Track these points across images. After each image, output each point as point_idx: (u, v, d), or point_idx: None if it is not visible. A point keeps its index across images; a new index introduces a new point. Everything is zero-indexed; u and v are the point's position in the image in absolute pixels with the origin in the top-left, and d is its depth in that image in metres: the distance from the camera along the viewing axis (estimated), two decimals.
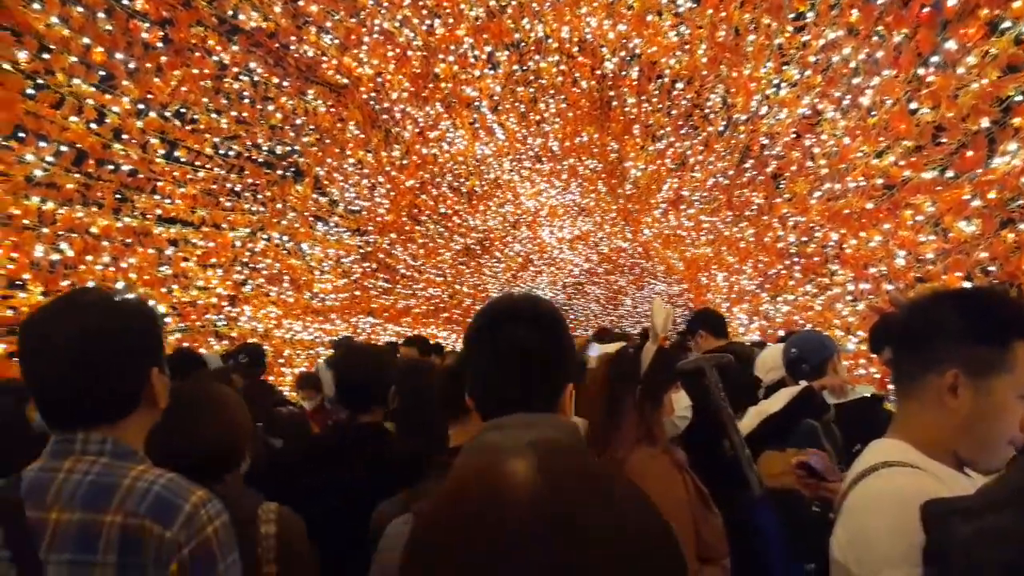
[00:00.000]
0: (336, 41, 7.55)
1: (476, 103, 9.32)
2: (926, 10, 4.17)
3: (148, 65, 6.16)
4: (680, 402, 3.51)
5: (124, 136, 6.32)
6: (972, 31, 3.90)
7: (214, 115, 7.10)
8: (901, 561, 1.25)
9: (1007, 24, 3.80)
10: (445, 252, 12.99)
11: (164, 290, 7.13)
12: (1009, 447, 1.38)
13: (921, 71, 4.40)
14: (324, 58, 7.71)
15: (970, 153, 4.08)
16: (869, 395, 3.49)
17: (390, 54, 7.97)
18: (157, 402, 1.42)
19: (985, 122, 3.97)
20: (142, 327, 1.41)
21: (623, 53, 7.78)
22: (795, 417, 3.09)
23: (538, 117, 9.83)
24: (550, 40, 7.96)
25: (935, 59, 4.26)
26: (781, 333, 7.06)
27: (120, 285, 6.60)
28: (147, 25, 6.04)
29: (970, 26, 3.90)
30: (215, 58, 6.77)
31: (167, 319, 7.28)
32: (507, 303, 1.45)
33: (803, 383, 3.28)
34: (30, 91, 5.44)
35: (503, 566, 0.57)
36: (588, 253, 17.32)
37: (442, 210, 11.90)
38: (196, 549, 1.25)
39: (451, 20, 7.55)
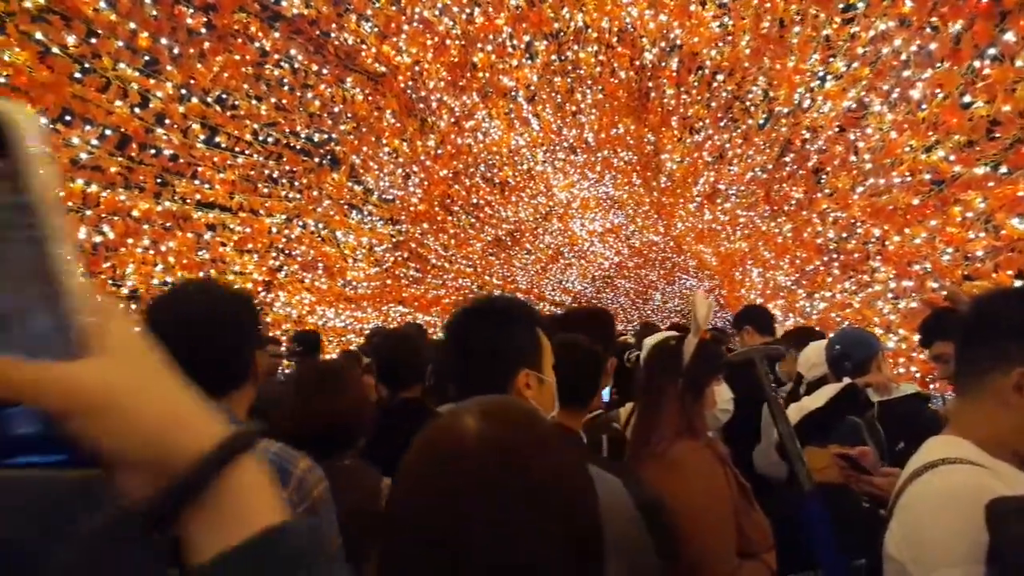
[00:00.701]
0: (376, 29, 7.57)
1: (513, 93, 9.29)
2: (984, 0, 4.06)
3: (191, 51, 6.22)
4: (722, 395, 3.48)
5: (167, 121, 6.40)
6: None
7: (254, 102, 7.16)
8: (960, 560, 1.22)
9: None
10: (476, 243, 13.01)
11: (201, 274, 7.22)
12: None
13: (976, 64, 4.28)
14: (363, 46, 7.73)
15: None
16: (913, 393, 3.44)
17: (429, 43, 7.97)
18: (257, 379, 1.60)
19: None
20: (249, 313, 1.60)
21: (663, 44, 7.70)
22: (838, 413, 3.05)
23: (574, 108, 9.78)
24: (589, 30, 7.90)
25: (992, 51, 4.15)
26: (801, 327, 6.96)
27: (159, 268, 6.72)
28: (191, 11, 6.10)
29: None
30: (256, 44, 6.83)
31: None
32: (468, 303, 1.68)
33: (846, 380, 3.24)
34: (77, 75, 5.53)
35: (462, 495, 0.73)
36: (619, 246, 17.25)
37: (474, 200, 11.90)
38: (308, 508, 1.45)
39: (491, 9, 7.52)
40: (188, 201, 6.95)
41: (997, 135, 4.22)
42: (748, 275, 10.62)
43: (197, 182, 6.96)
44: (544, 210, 13.87)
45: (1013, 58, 4.01)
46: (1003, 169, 4.25)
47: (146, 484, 0.46)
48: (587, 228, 15.68)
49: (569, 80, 9.09)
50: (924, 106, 4.89)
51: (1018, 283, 4.17)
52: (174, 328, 1.38)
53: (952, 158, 4.70)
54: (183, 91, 6.46)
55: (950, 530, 1.26)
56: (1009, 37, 4.00)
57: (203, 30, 6.27)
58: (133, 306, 6.64)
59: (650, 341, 2.83)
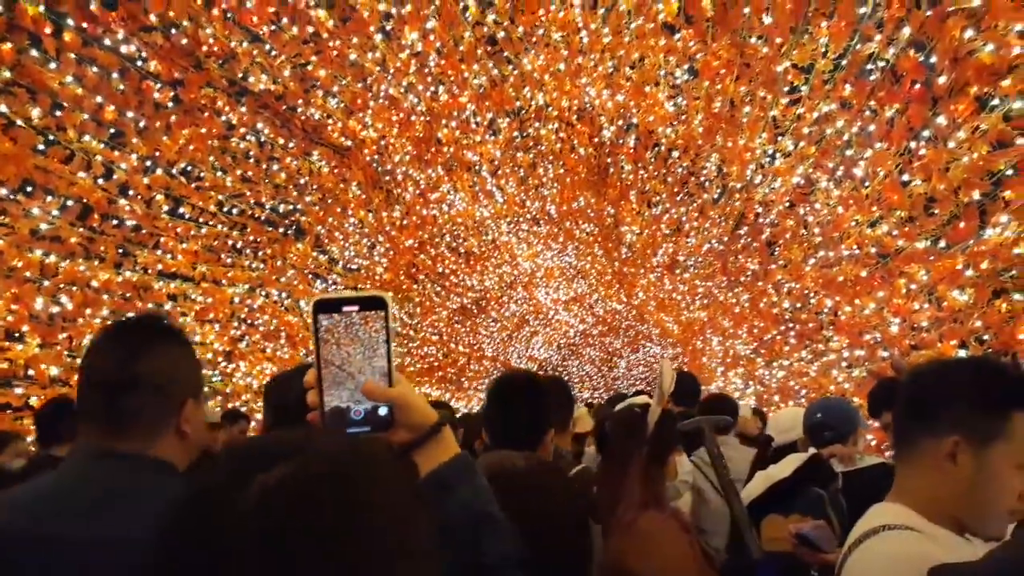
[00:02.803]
0: (342, 105, 7.73)
1: (476, 167, 9.49)
2: (917, 87, 4.32)
3: (158, 124, 6.28)
4: (682, 466, 3.50)
5: (130, 192, 6.41)
6: (962, 107, 4.03)
7: (219, 173, 7.22)
8: None
9: (996, 101, 3.93)
10: (441, 311, 13.03)
11: None
12: (1009, 515, 1.40)
13: (913, 144, 4.53)
14: (330, 121, 7.88)
15: (962, 224, 4.18)
16: (877, 464, 3.48)
17: (394, 118, 8.15)
18: None
19: (976, 195, 4.07)
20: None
21: (620, 122, 7.98)
22: (802, 484, 3.09)
23: (537, 181, 10.01)
24: (550, 108, 8.17)
25: (926, 133, 4.39)
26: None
27: None
28: (159, 85, 6.19)
29: (960, 103, 4.03)
30: (223, 118, 6.92)
31: None
32: (507, 378, 2.50)
33: (811, 450, 3.28)
34: (40, 146, 5.55)
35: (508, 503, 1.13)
36: (583, 315, 17.38)
37: (440, 270, 11.99)
38: None
39: (455, 87, 7.76)
40: (149, 271, 6.91)
41: (935, 211, 4.44)
42: (708, 343, 10.77)
43: (159, 252, 6.94)
44: (509, 279, 13.99)
45: (945, 140, 4.26)
46: (942, 244, 4.45)
47: (407, 436, 1.03)
48: (551, 297, 15.81)
49: (531, 155, 9.33)
50: (867, 183, 5.13)
51: (962, 352, 4.31)
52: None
53: (895, 233, 4.91)
54: (148, 163, 6.50)
55: None
56: (941, 121, 4.25)
57: (170, 104, 6.35)
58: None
59: None
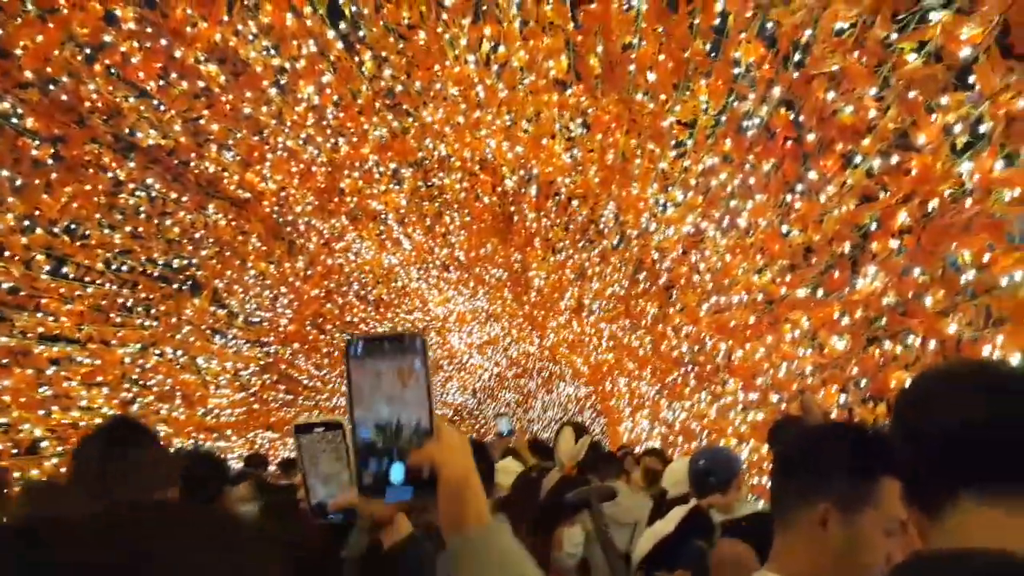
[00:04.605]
0: (238, 158, 7.57)
1: (382, 216, 9.45)
2: (789, 143, 4.57)
3: (36, 181, 6.00)
4: (572, 539, 3.50)
5: (6, 253, 6.08)
6: (830, 163, 4.28)
7: (107, 230, 6.93)
8: None
9: (859, 159, 4.19)
10: None
11: (42, 412, 6.70)
12: None
13: (789, 197, 4.78)
14: (226, 174, 7.70)
15: (837, 274, 4.40)
16: (755, 513, 3.57)
17: (294, 169, 8.04)
18: None
19: (847, 246, 4.31)
20: None
21: (522, 172, 8.11)
22: (686, 538, 3.13)
23: (443, 229, 10.03)
24: (453, 159, 8.24)
25: (800, 187, 4.64)
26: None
27: None
28: (37, 142, 5.92)
29: (828, 159, 4.28)
30: (110, 174, 6.66)
31: (43, 443, 6.81)
32: None
33: (692, 502, 3.34)
34: None
35: None
36: (497, 358, 17.39)
37: (348, 318, 11.80)
38: None
39: (355, 139, 7.72)
40: (29, 335, 6.53)
41: (813, 261, 4.66)
42: (616, 384, 10.92)
43: (40, 315, 6.57)
44: (421, 325, 13.89)
45: (818, 193, 4.50)
46: (820, 292, 4.66)
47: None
48: (465, 341, 15.78)
49: (436, 204, 9.36)
50: (751, 232, 5.36)
51: (843, 397, 4.50)
52: None
53: (778, 280, 5.13)
54: (26, 222, 6.19)
55: None
56: (812, 175, 4.50)
57: (50, 161, 6.07)
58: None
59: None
